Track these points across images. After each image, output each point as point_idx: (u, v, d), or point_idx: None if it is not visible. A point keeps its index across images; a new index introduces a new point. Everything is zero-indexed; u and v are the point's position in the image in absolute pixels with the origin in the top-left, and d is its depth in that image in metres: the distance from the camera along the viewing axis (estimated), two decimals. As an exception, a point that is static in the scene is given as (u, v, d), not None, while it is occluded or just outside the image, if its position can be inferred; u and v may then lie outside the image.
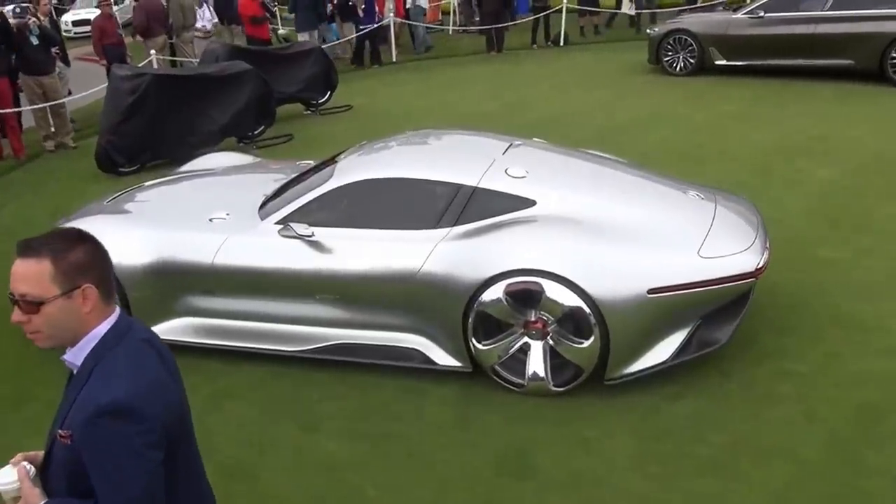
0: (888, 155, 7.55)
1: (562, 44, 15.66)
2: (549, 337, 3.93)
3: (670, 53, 11.98)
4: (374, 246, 4.21)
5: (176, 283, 4.52)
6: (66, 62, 10.28)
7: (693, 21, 12.06)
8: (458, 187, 4.23)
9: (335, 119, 10.74)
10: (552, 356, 3.95)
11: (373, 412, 3.98)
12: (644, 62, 12.74)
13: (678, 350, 3.97)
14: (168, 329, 4.58)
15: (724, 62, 11.57)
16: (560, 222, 4.04)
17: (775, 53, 11.07)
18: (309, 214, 4.37)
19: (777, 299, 4.83)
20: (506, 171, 4.31)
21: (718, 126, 9.10)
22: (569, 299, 3.78)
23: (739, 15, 11.40)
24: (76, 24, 23.40)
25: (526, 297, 3.85)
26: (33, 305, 1.72)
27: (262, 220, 4.50)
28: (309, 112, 10.94)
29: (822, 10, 10.60)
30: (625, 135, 8.90)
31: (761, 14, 11.08)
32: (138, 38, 12.14)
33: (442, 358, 4.18)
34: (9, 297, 1.75)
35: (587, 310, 3.77)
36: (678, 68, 11.95)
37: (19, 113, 9.49)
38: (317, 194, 4.42)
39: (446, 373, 4.16)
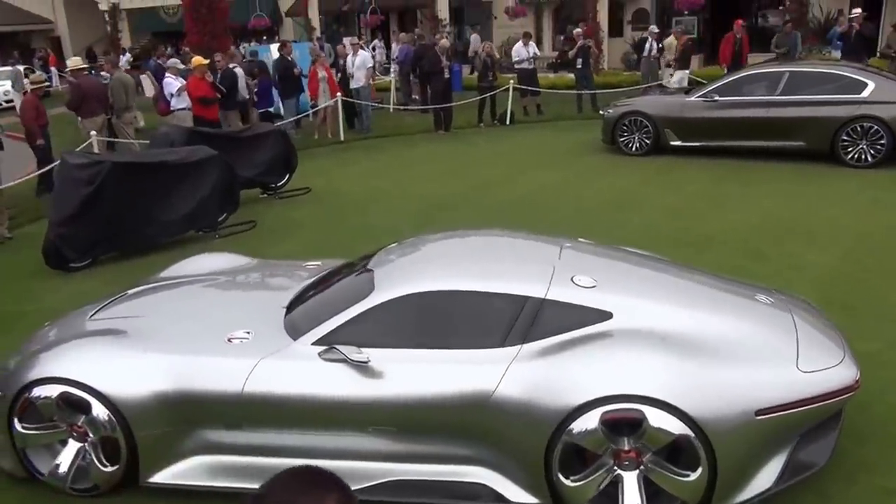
0: (873, 236, 7.63)
1: (508, 122, 15.71)
2: (643, 467, 3.51)
3: (626, 134, 12.10)
4: (434, 368, 3.70)
5: (195, 416, 3.86)
6: (0, 145, 9.42)
7: (648, 103, 12.27)
8: (524, 300, 3.80)
9: (295, 203, 10.19)
10: (646, 488, 3.51)
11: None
12: (595, 141, 12.86)
13: (780, 474, 3.61)
14: (184, 472, 3.90)
15: (679, 143, 11.75)
16: (645, 338, 3.66)
17: (729, 135, 11.32)
18: (350, 333, 3.83)
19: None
20: (572, 280, 3.92)
21: (693, 208, 9.08)
22: (674, 427, 3.37)
23: (694, 98, 11.65)
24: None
25: (625, 427, 3.42)
26: None
27: (294, 339, 3.93)
28: (266, 196, 10.37)
29: (774, 95, 10.94)
30: (604, 218, 8.75)
31: (715, 98, 11.35)
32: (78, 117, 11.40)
33: (515, 494, 3.66)
34: None
35: (694, 438, 3.38)
36: (634, 148, 12.06)
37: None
38: (359, 310, 3.88)
39: (522, 511, 3.65)
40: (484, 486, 3.71)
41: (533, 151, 13.00)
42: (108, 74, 11.96)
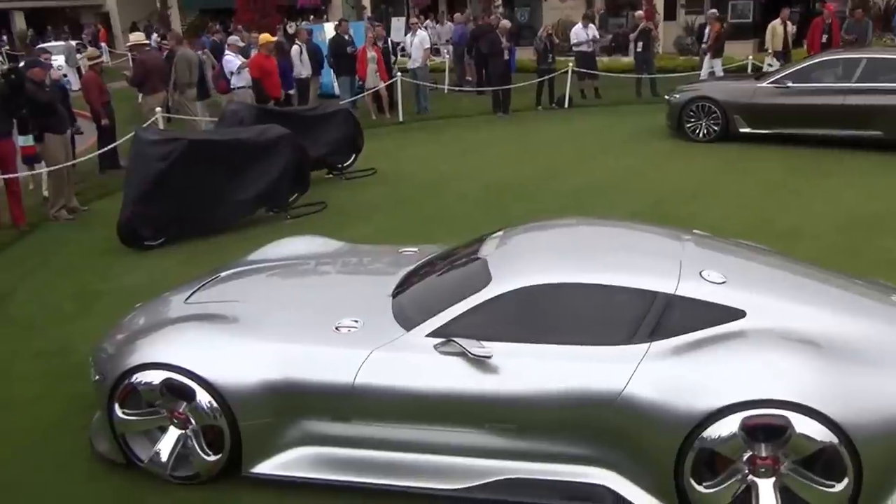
0: (972, 234, 7.27)
1: (566, 106, 15.42)
2: (779, 475, 3.30)
3: (693, 120, 11.75)
4: (557, 365, 3.52)
5: (302, 407, 3.74)
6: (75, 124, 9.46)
7: (716, 88, 11.89)
8: (652, 295, 3.60)
9: (362, 184, 10.06)
10: (782, 497, 3.31)
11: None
12: (658, 126, 12.56)
13: (923, 488, 3.38)
14: (287, 463, 3.78)
15: (748, 130, 11.38)
16: (784, 339, 3.44)
17: (802, 123, 10.92)
18: (466, 325, 3.65)
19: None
20: (701, 275, 3.71)
21: (771, 198, 8.75)
22: (821, 435, 3.16)
23: (765, 84, 11.26)
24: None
25: (767, 433, 3.22)
26: None
27: (406, 330, 3.78)
28: (331, 176, 10.24)
29: (850, 82, 10.52)
30: (680, 207, 8.47)
31: (788, 84, 10.95)
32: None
33: (639, 497, 3.47)
34: None
35: (840, 446, 3.17)
36: (701, 135, 11.71)
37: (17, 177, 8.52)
38: (476, 301, 3.70)
39: (646, 517, 3.47)
40: (605, 487, 3.54)
41: (596, 136, 12.71)
42: (172, 50, 11.89)
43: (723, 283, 3.68)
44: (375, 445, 3.73)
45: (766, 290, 3.73)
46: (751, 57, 15.75)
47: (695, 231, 4.52)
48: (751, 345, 3.43)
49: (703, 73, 15.29)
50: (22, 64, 8.92)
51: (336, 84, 15.14)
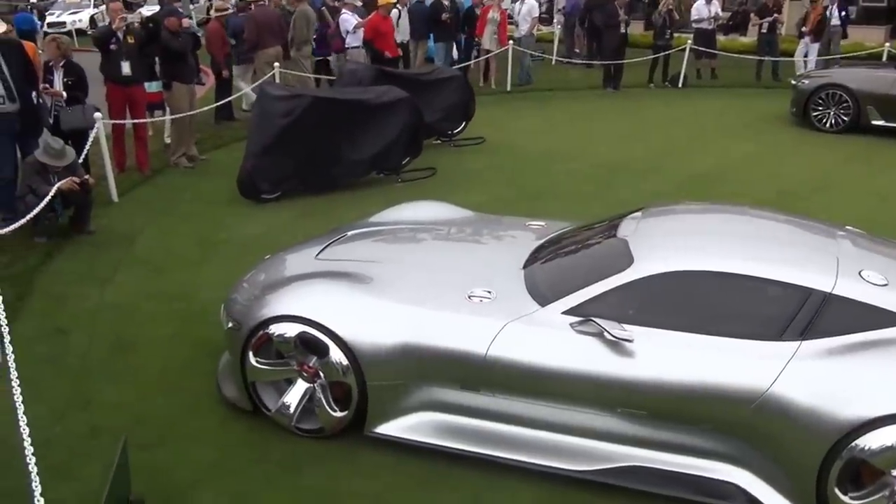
0: None
1: (680, 85, 14.89)
2: (933, 495, 3.11)
3: (820, 108, 11.16)
4: (699, 355, 3.40)
5: (431, 372, 3.73)
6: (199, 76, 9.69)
7: (849, 76, 11.23)
8: (807, 292, 3.42)
9: (471, 152, 9.98)
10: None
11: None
12: (778, 112, 12.01)
13: None
14: (410, 427, 3.80)
15: (882, 123, 10.74)
16: (952, 351, 3.23)
17: (945, 118, 10.22)
18: (604, 306, 3.56)
19: None
20: (860, 275, 3.51)
21: (907, 196, 8.25)
22: None
23: (907, 74, 10.58)
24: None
25: (928, 450, 3.03)
26: None
27: (541, 305, 3.71)
28: (440, 142, 10.19)
29: None
30: (807, 201, 8.03)
31: (934, 75, 10.26)
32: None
33: (774, 500, 3.34)
34: None
35: None
36: (828, 124, 11.12)
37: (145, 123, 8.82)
38: (618, 283, 3.60)
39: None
40: (736, 486, 3.42)
41: (711, 119, 12.24)
42: (291, 8, 11.99)
43: (884, 285, 3.46)
44: (501, 418, 3.70)
45: (931, 297, 3.49)
46: (888, 44, 14.74)
47: (848, 227, 4.27)
48: (917, 353, 3.22)
49: (799, 57, 14.47)
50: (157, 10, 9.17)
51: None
